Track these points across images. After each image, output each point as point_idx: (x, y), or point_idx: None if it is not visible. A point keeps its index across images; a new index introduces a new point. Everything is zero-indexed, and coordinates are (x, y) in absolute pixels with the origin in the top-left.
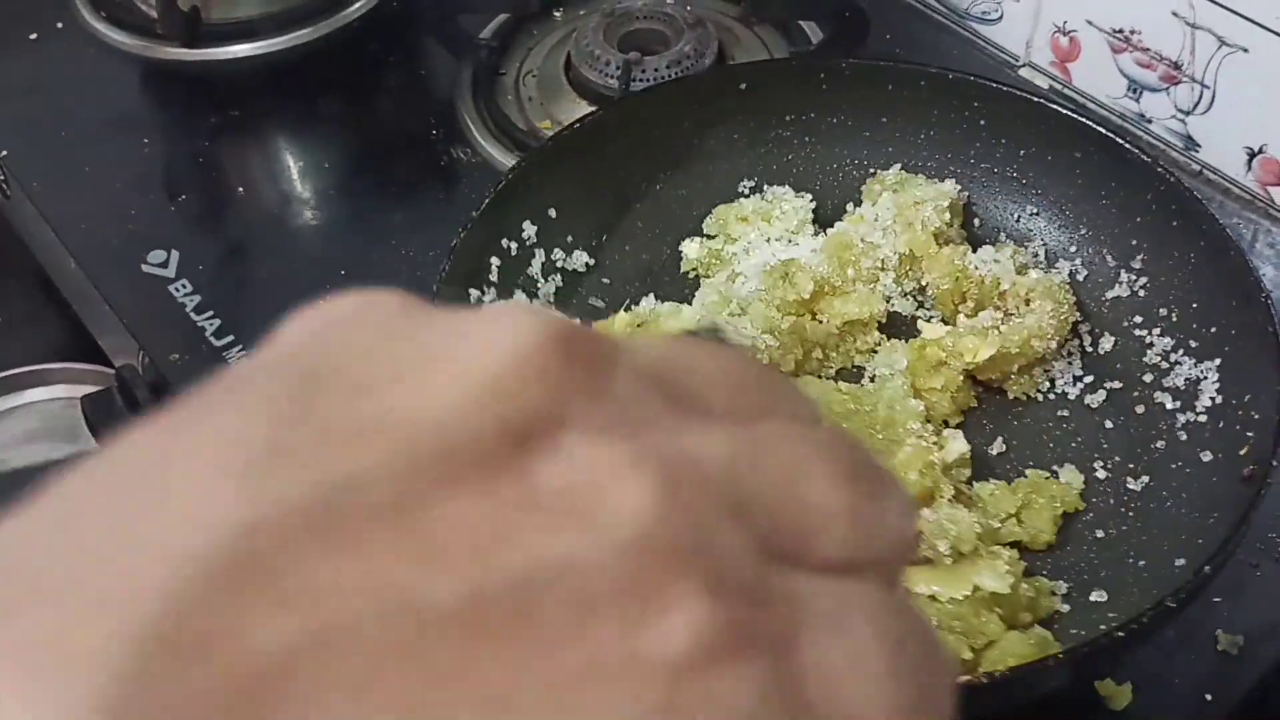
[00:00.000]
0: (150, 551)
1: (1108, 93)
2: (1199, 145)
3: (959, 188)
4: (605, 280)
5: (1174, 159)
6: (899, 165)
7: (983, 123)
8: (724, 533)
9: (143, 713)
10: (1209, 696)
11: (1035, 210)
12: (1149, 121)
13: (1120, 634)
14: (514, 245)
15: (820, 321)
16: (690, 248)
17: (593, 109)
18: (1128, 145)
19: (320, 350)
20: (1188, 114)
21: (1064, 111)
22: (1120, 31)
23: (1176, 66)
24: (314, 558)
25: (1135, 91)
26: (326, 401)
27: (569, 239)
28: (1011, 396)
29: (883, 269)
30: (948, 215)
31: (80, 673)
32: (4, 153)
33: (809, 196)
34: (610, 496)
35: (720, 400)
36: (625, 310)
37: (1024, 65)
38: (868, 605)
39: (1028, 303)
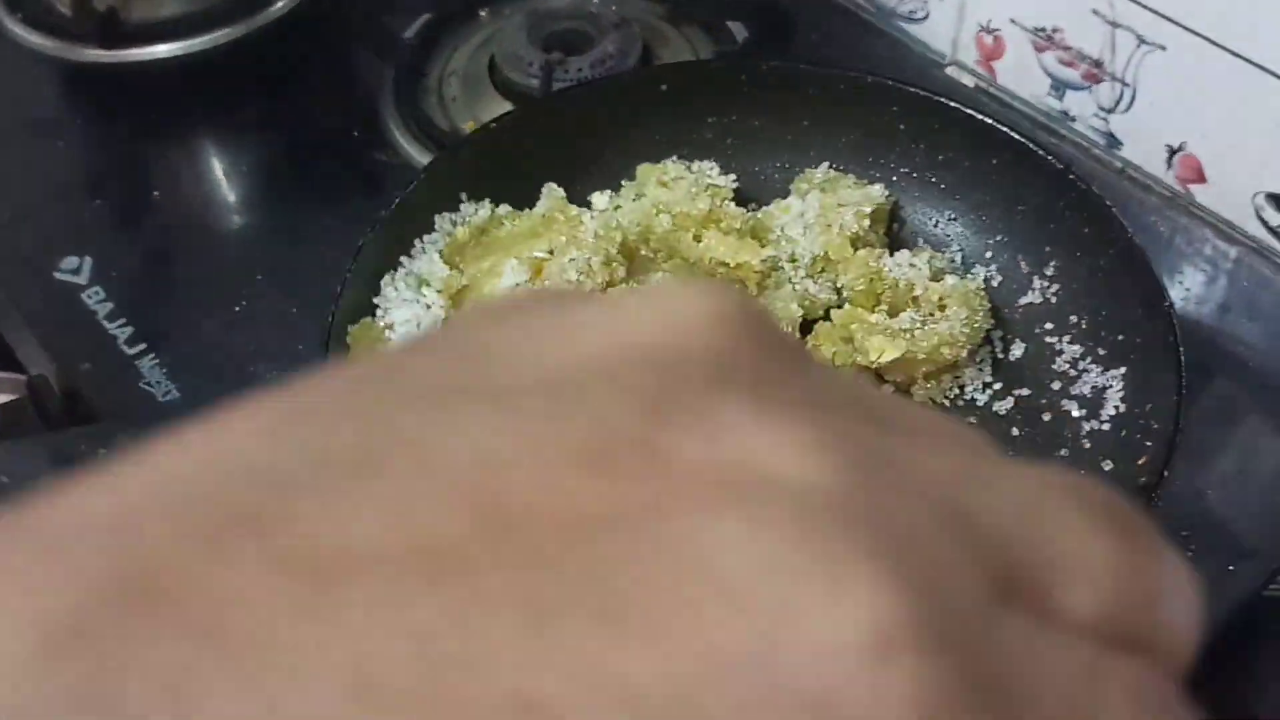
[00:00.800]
0: None
1: (1032, 91)
2: (1121, 143)
3: (887, 192)
4: None
5: (1097, 157)
6: (827, 164)
7: (902, 127)
8: (938, 544)
9: None
10: None
11: (953, 215)
12: (1072, 120)
13: None
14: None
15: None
16: (599, 199)
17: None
18: (1040, 152)
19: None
20: (1109, 112)
21: (979, 117)
22: (1042, 30)
23: (1098, 65)
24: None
25: (1058, 90)
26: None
27: None
28: (917, 401)
29: (793, 262)
30: (867, 221)
31: None
32: None
33: (734, 176)
34: (783, 467)
35: (928, 430)
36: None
37: (950, 64)
38: (1133, 686)
39: (942, 308)
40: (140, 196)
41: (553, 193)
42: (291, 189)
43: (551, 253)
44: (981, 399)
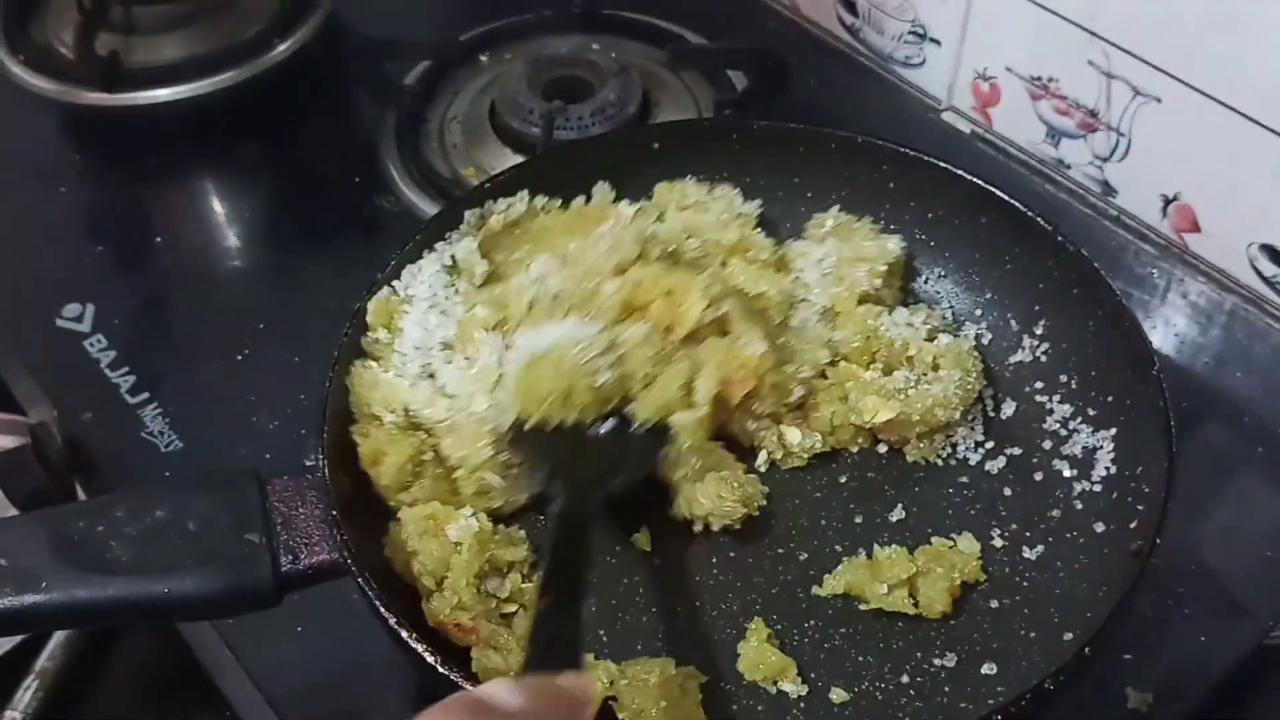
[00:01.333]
0: None
1: (1027, 138)
2: (1116, 191)
3: (904, 244)
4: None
5: (1092, 204)
6: (837, 207)
7: (892, 185)
8: None
9: None
10: None
11: (943, 273)
12: (1067, 167)
13: (998, 717)
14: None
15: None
16: (626, 209)
17: (518, 157)
18: (1030, 213)
19: None
20: (1105, 160)
21: (969, 178)
22: (1038, 79)
23: (1093, 114)
24: None
25: (1054, 138)
26: None
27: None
28: (910, 460)
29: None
30: (879, 281)
31: None
32: None
33: (759, 202)
34: None
35: None
36: None
37: (946, 109)
38: None
39: (936, 368)
40: (142, 242)
41: (603, 191)
42: (292, 234)
43: None
44: (974, 458)
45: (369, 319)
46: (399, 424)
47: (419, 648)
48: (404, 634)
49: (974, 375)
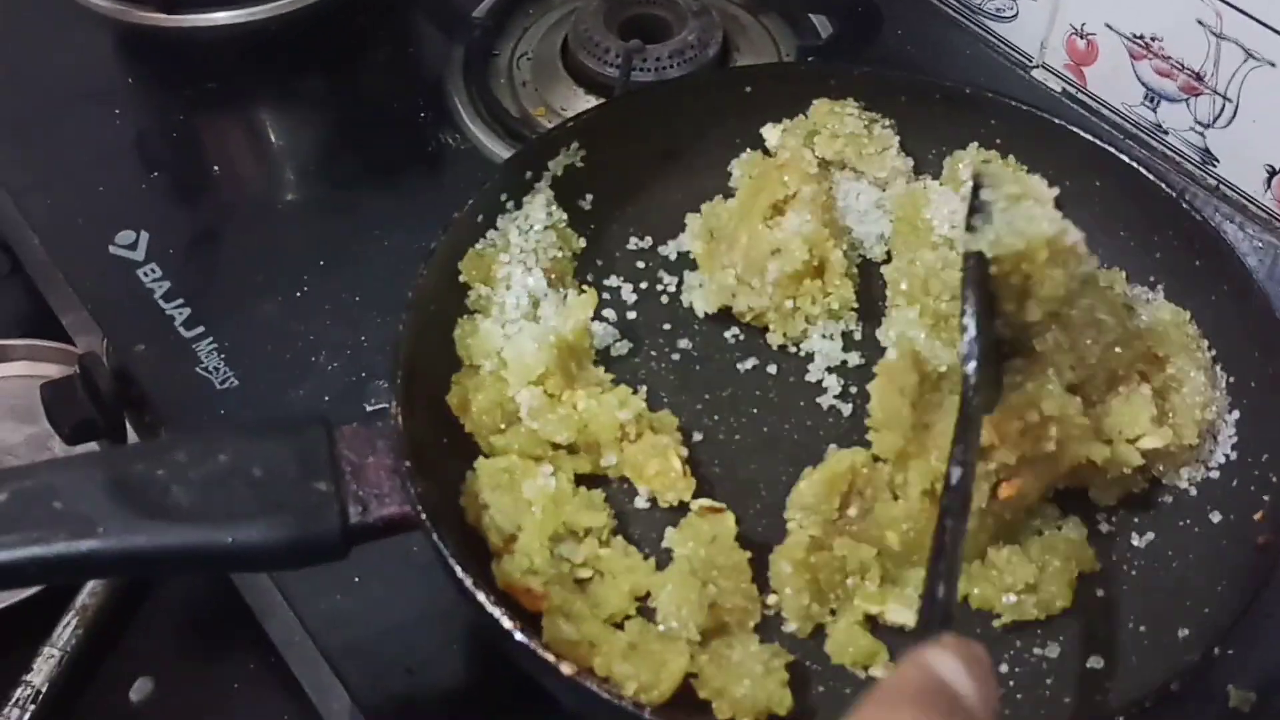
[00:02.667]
0: None
1: (1123, 100)
2: (1217, 160)
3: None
4: (598, 262)
5: (1189, 172)
6: (975, 144)
7: (999, 141)
8: None
9: None
10: None
11: None
12: (1165, 132)
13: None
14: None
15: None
16: (770, 132)
17: (591, 98)
18: (1152, 178)
19: None
20: (1207, 127)
21: (1086, 137)
22: (1140, 37)
23: (1198, 77)
24: None
25: (1152, 100)
26: None
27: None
28: None
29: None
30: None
31: None
32: None
33: (911, 160)
34: None
35: None
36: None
37: (1037, 66)
38: None
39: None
40: (199, 171)
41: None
42: (354, 169)
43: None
44: None
45: (463, 277)
46: (494, 371)
47: (495, 611)
48: (480, 596)
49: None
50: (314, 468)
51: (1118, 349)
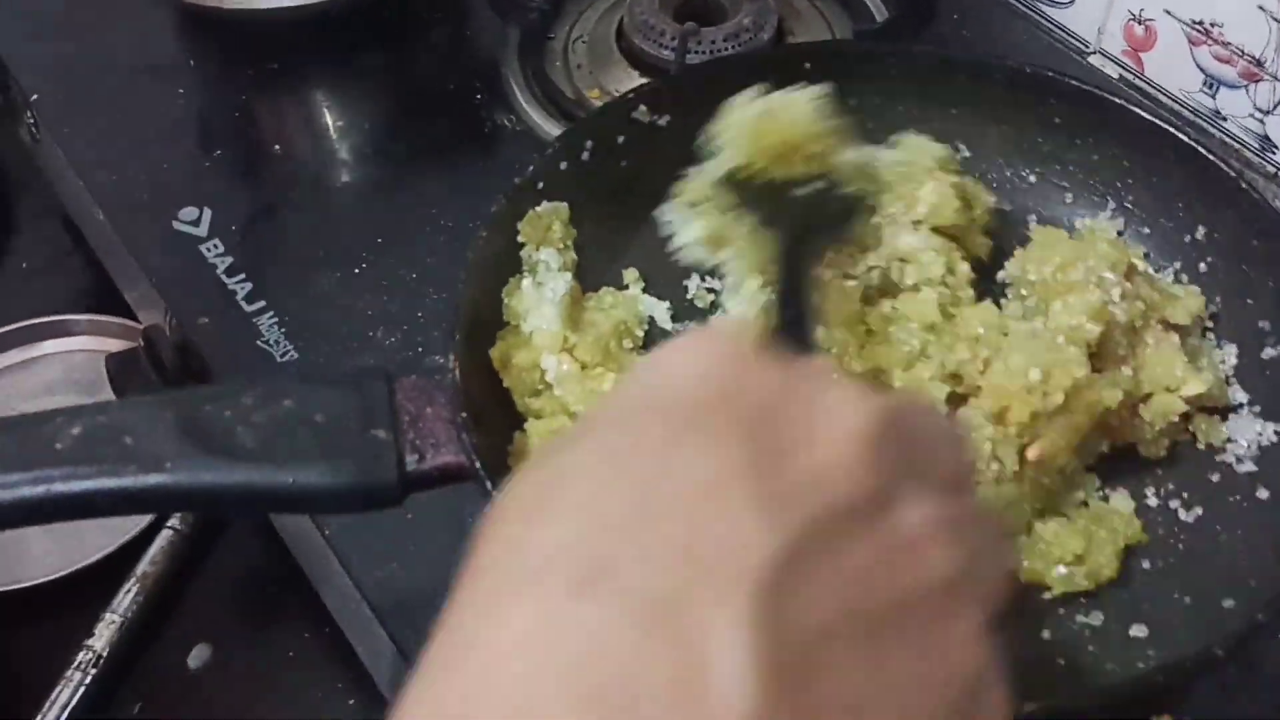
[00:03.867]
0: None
1: (1181, 87)
2: (1277, 147)
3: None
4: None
5: (1248, 160)
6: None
7: (1058, 120)
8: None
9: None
10: None
11: (1110, 216)
12: (1224, 119)
13: (1159, 678)
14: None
15: None
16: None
17: (645, 80)
18: (1211, 156)
19: (734, 398)
20: (1267, 114)
21: (1143, 115)
22: (1200, 23)
23: (1258, 63)
24: (818, 569)
25: (1211, 87)
26: (772, 458)
27: None
28: None
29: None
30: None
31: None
32: (35, 96)
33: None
34: (932, 551)
35: (941, 469)
36: None
37: (1094, 53)
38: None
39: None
40: (260, 149)
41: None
42: (412, 149)
43: None
44: None
45: (521, 237)
46: (534, 331)
47: None
48: None
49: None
50: (374, 416)
51: (1126, 301)
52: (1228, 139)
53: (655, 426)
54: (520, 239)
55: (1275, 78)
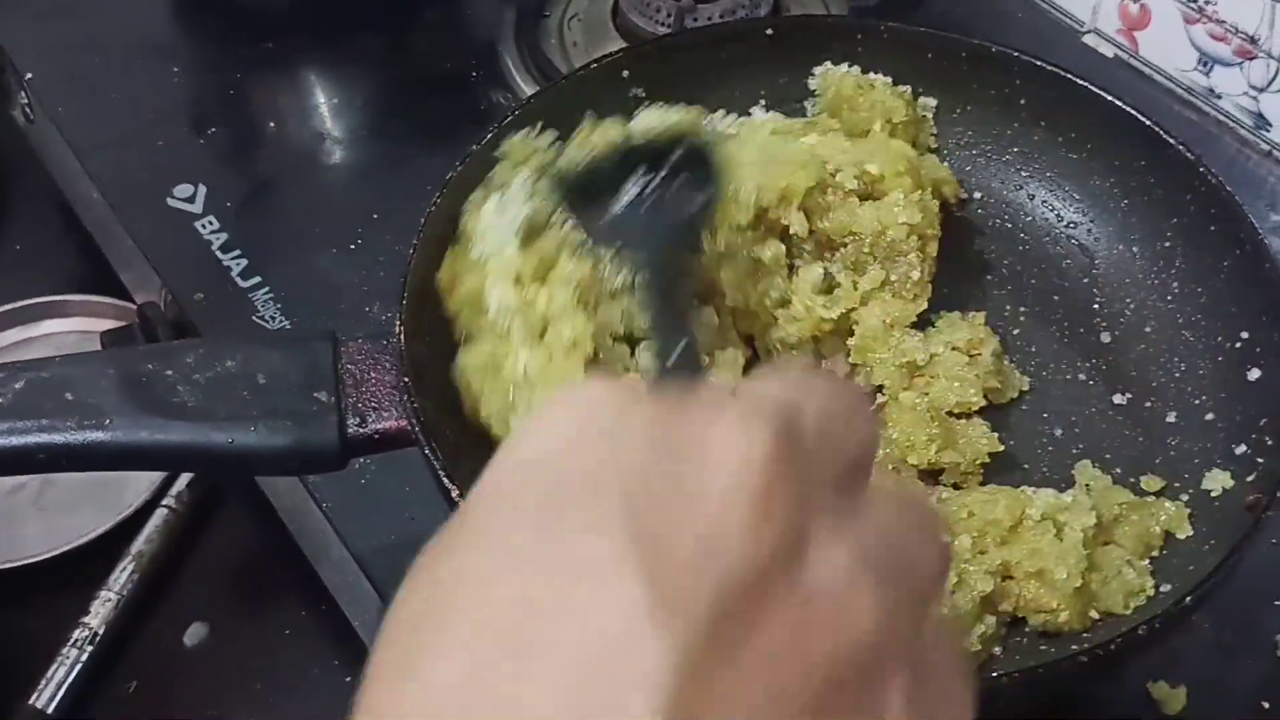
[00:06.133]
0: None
1: (1176, 65)
2: (1270, 124)
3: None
4: None
5: (1242, 137)
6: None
7: (1023, 101)
8: (898, 618)
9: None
10: (1266, 704)
11: (1078, 197)
12: (1218, 97)
13: (1083, 659)
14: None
15: None
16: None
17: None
18: (1172, 140)
19: (608, 465)
20: (1261, 91)
21: (1107, 98)
22: (1194, 1)
23: (1253, 41)
24: (731, 662)
25: (1206, 65)
26: (657, 535)
27: None
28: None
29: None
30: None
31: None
32: (29, 75)
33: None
34: (855, 600)
35: (845, 455)
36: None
37: (1089, 32)
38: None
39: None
40: (255, 127)
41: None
42: (408, 127)
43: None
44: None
45: (509, 153)
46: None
47: None
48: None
49: None
50: (317, 378)
51: None
52: (1222, 117)
53: (530, 520)
54: (497, 154)
55: (1269, 55)
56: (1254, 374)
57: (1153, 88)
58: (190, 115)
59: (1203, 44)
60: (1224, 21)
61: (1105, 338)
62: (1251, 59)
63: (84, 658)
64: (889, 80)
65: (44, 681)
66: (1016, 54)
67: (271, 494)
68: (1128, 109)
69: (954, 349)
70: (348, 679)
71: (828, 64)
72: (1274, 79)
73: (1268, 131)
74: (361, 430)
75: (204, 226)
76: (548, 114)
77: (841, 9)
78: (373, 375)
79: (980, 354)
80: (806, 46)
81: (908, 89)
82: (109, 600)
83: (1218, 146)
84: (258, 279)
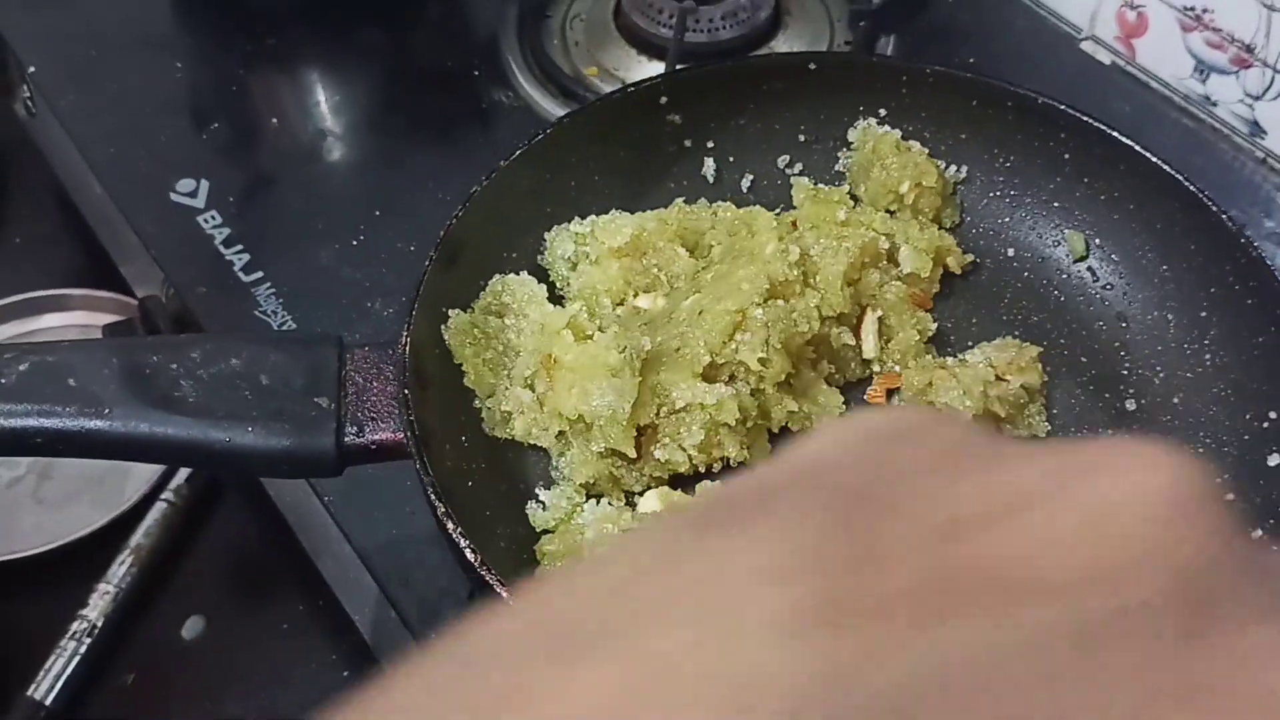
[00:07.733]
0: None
1: (1173, 72)
2: (1265, 132)
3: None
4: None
5: (1237, 145)
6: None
7: (1067, 157)
8: None
9: None
10: None
11: (1108, 261)
12: (1214, 104)
13: None
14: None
15: None
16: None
17: (644, 63)
18: (1215, 208)
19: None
20: (1257, 99)
21: (1153, 160)
22: (1191, 9)
23: (1249, 49)
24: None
25: (1202, 72)
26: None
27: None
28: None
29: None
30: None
31: None
32: (31, 68)
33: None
34: None
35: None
36: None
37: (1087, 39)
38: None
39: None
40: (257, 122)
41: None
42: (410, 123)
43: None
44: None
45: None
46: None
47: (462, 542)
48: (449, 526)
49: None
50: (319, 383)
51: None
52: (1218, 124)
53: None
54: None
55: (1265, 64)
56: (1274, 460)
57: (1149, 94)
58: (193, 109)
59: (1199, 51)
60: (1221, 30)
61: (1130, 405)
62: (1248, 67)
63: (82, 650)
64: (925, 151)
65: (42, 673)
66: (1063, 107)
67: (272, 488)
68: (1172, 172)
69: (990, 364)
70: (345, 673)
71: (871, 120)
72: (1269, 87)
73: (1263, 139)
74: (359, 440)
75: (206, 221)
76: (579, 135)
77: (841, 14)
78: (375, 385)
79: (1009, 380)
80: (850, 85)
81: (942, 163)
82: (107, 593)
83: (1213, 153)
84: (260, 274)
